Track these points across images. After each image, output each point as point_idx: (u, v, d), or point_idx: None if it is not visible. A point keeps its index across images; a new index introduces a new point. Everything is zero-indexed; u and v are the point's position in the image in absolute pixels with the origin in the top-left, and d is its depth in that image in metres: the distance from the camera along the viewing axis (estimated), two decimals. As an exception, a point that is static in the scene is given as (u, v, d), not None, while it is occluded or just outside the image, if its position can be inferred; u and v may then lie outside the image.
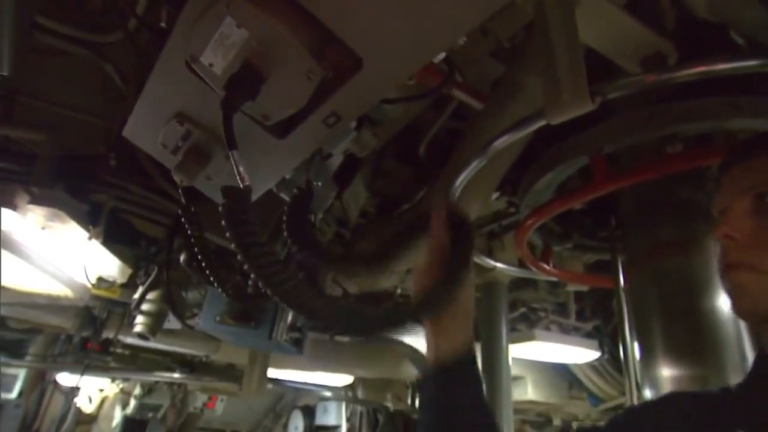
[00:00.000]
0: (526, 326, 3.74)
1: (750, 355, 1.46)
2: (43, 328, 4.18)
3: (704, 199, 1.69)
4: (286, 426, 7.38)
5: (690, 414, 0.83)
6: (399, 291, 3.46)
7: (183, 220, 1.19)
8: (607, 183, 1.54)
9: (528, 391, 4.76)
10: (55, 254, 2.20)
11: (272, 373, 4.09)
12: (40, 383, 5.36)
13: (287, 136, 1.01)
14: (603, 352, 3.88)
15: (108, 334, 3.64)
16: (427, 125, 2.09)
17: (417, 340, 3.10)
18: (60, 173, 2.02)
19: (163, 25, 1.17)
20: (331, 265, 1.00)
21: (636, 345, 1.71)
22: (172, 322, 2.51)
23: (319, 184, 1.23)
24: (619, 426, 0.94)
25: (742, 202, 0.80)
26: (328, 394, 5.88)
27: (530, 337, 3.45)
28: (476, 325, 2.35)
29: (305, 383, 5.24)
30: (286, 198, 1.18)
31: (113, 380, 5.58)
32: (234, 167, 0.84)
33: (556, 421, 5.54)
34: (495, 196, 2.23)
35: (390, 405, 5.32)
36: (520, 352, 3.62)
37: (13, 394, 4.98)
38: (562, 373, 4.84)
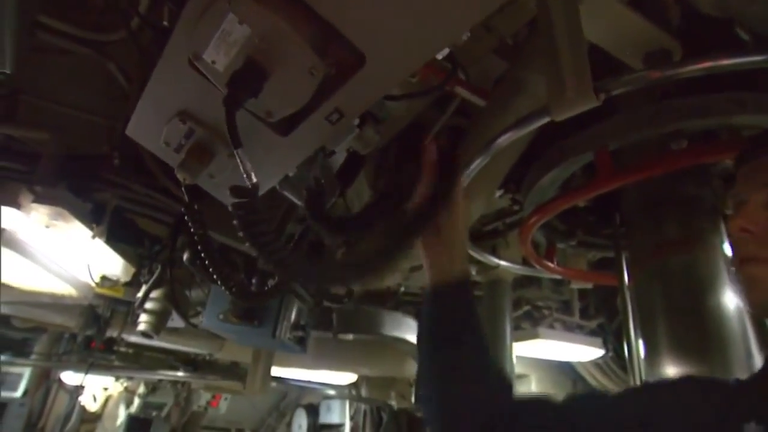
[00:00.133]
0: (530, 324, 3.73)
1: (755, 353, 1.45)
2: (47, 327, 4.19)
3: (709, 196, 1.68)
4: (289, 424, 7.39)
5: (708, 399, 0.83)
6: (402, 289, 3.47)
7: (186, 218, 1.19)
8: (611, 180, 1.54)
9: (532, 389, 4.76)
10: (59, 253, 2.20)
11: (276, 371, 4.09)
12: (44, 382, 5.37)
13: (290, 134, 1.01)
14: (607, 350, 3.87)
15: (112, 332, 3.64)
16: (430, 123, 2.08)
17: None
18: (63, 172, 2.02)
19: (165, 23, 1.17)
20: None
21: (641, 343, 1.70)
22: (176, 321, 2.52)
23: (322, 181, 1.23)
24: (634, 398, 0.94)
25: (759, 195, 0.80)
26: (331, 392, 5.88)
27: (534, 336, 3.45)
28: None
29: (309, 381, 5.24)
30: (291, 197, 1.17)
31: (117, 379, 5.58)
32: (240, 165, 0.84)
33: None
34: (498, 193, 2.22)
35: (394, 403, 5.32)
36: (524, 350, 3.62)
37: (18, 393, 5.00)
38: (567, 372, 4.82)
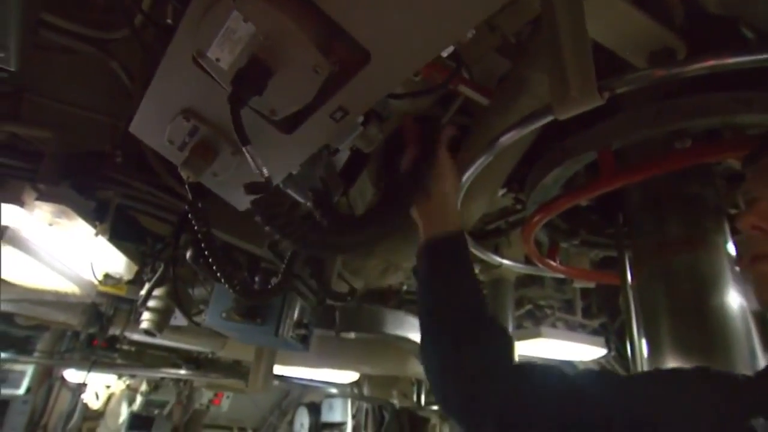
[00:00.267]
0: (533, 323, 3.74)
1: (759, 352, 1.45)
2: (50, 325, 4.19)
3: (712, 196, 1.68)
4: (291, 423, 7.40)
5: (718, 391, 0.82)
6: (405, 288, 3.47)
7: (190, 216, 1.19)
8: (614, 179, 1.53)
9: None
10: (62, 251, 2.21)
11: (278, 369, 4.09)
12: (47, 380, 5.38)
13: (294, 131, 1.01)
14: (610, 350, 3.86)
15: (114, 330, 3.65)
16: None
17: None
18: (67, 170, 2.03)
19: (169, 21, 1.17)
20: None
21: (643, 342, 1.70)
22: (179, 319, 2.52)
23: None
24: (646, 381, 0.94)
25: None
26: (333, 391, 5.88)
27: (537, 335, 3.44)
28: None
29: (311, 380, 5.24)
30: (294, 195, 1.17)
31: (120, 377, 5.59)
32: (250, 161, 0.85)
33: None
34: (501, 192, 2.22)
35: (396, 402, 5.32)
36: (526, 349, 3.61)
37: (21, 391, 5.01)
38: (569, 371, 4.81)
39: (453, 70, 1.36)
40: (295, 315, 2.31)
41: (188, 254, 1.81)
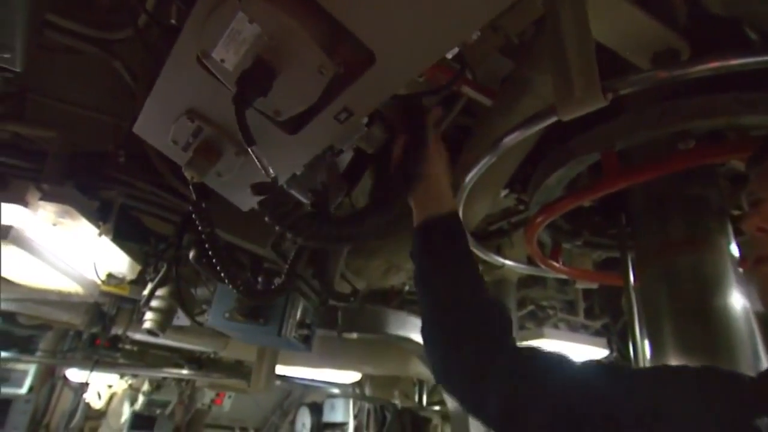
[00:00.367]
0: (535, 324, 3.73)
1: (762, 354, 1.45)
2: (52, 324, 4.20)
3: (715, 197, 1.67)
4: (293, 423, 7.41)
5: (725, 390, 0.82)
6: (407, 288, 3.47)
7: (194, 216, 1.20)
8: (617, 180, 1.53)
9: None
10: (66, 251, 2.21)
11: (280, 369, 4.10)
12: (49, 379, 5.40)
13: (298, 132, 1.01)
14: (612, 351, 3.85)
15: (117, 330, 3.65)
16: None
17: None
18: (70, 170, 2.03)
19: (173, 21, 1.17)
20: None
21: (646, 343, 1.70)
22: (181, 319, 2.52)
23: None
24: (653, 376, 0.93)
25: None
26: (335, 391, 5.89)
27: (539, 335, 3.44)
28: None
29: (313, 380, 5.25)
30: (298, 195, 1.17)
31: (122, 376, 5.60)
32: (256, 161, 0.85)
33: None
34: (504, 193, 2.22)
35: (398, 402, 5.32)
36: (528, 350, 3.60)
37: (24, 390, 5.03)
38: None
39: (457, 71, 1.36)
40: (298, 315, 2.32)
41: (191, 254, 1.81)
